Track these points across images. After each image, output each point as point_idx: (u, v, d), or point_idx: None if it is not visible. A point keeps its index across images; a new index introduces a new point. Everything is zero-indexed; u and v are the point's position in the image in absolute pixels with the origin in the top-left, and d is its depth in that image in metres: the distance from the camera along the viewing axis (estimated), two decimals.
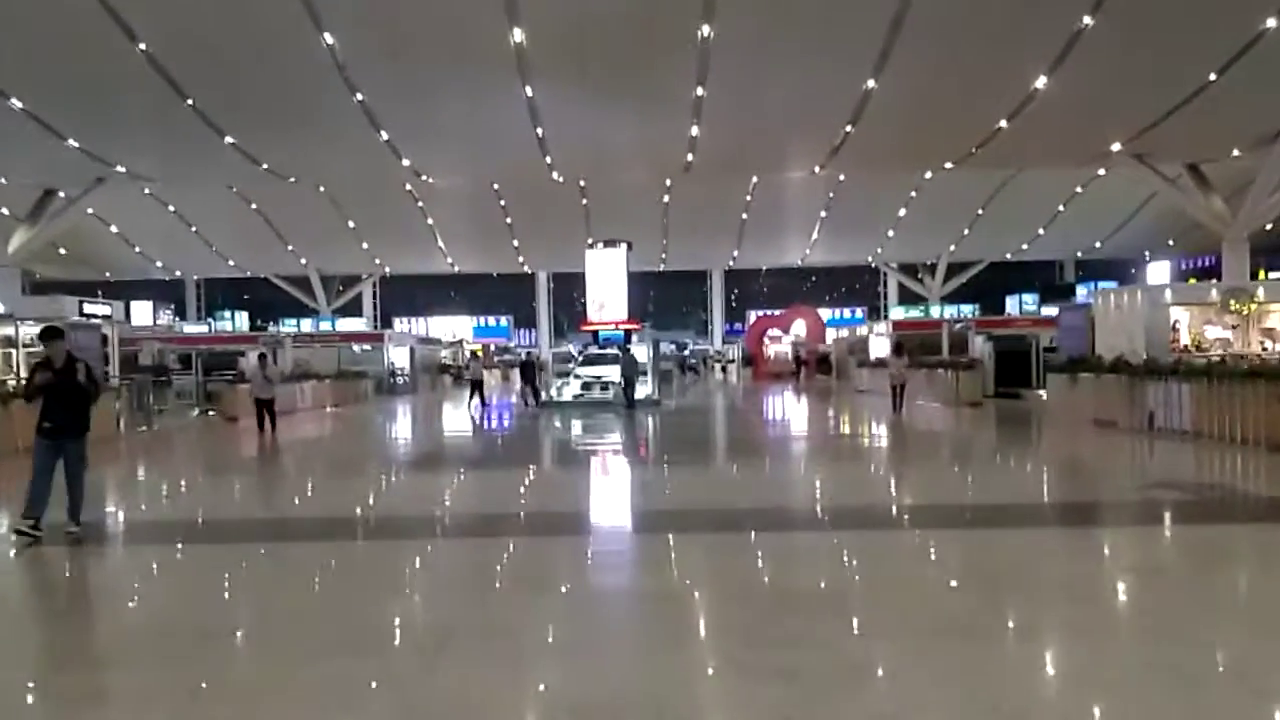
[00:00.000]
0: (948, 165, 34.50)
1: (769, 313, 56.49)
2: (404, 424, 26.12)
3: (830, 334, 50.54)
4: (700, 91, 26.12)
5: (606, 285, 32.06)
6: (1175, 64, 24.77)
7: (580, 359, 29.98)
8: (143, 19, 21.42)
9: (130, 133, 28.56)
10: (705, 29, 22.65)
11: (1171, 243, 55.52)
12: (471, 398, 27.83)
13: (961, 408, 24.32)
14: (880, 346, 35.18)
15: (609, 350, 30.09)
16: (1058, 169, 38.64)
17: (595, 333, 32.53)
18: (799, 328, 50.22)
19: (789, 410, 28.44)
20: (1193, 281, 68.03)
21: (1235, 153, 31.70)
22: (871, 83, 25.46)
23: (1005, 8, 22.32)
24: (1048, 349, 25.97)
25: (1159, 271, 56.23)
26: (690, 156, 32.21)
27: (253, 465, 16.36)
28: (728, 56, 24.07)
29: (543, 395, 29.03)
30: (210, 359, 31.18)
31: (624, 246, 32.13)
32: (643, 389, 27.38)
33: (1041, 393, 24.09)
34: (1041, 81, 25.22)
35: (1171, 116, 27.31)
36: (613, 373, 27.47)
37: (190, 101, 25.51)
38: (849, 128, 28.93)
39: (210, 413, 26.42)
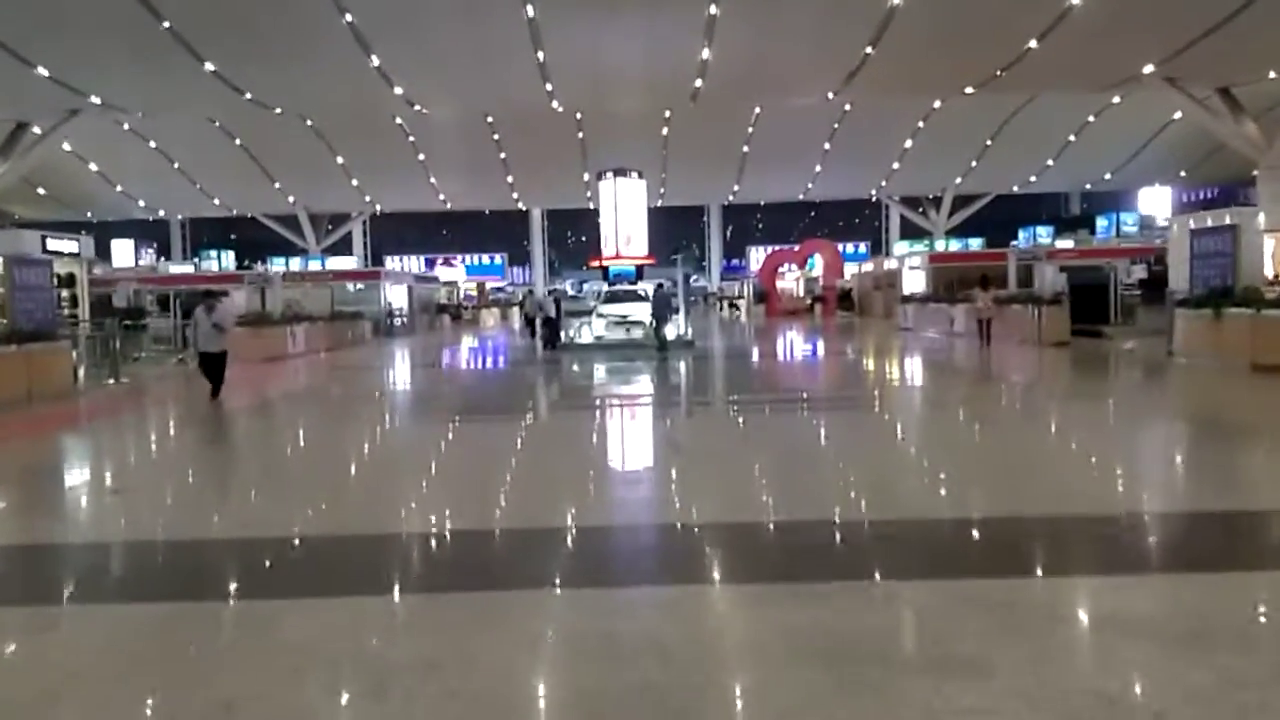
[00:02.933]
0: (968, 90, 32.90)
1: (781, 247, 55.21)
2: (401, 373, 23.71)
3: (850, 268, 49.31)
4: (713, 10, 24.49)
5: (624, 218, 30.44)
6: None
7: (602, 296, 28.22)
8: None
9: (103, 60, 26.69)
10: None
11: (1184, 173, 54.27)
12: (537, 333, 28.30)
13: (1049, 349, 21.82)
14: (915, 280, 33.62)
15: (631, 286, 28.53)
16: (1084, 93, 37.09)
17: (606, 269, 31.03)
18: (815, 262, 48.89)
19: (843, 354, 25.46)
20: (1199, 213, 66.68)
21: (1271, 75, 30.22)
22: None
23: None
24: (1143, 281, 23.86)
25: (1158, 198, 54.81)
26: (699, 83, 30.55)
27: (185, 447, 12.37)
28: None
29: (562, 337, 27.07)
30: (190, 300, 29.15)
31: (638, 176, 30.46)
32: (671, 329, 25.19)
33: (1106, 329, 22.32)
34: None
35: (1210, 36, 25.84)
36: (640, 311, 25.75)
37: (166, 24, 23.74)
38: (869, 49, 27.32)
39: (189, 360, 24.13)
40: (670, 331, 24.79)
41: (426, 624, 5.05)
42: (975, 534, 6.80)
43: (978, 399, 15.21)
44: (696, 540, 6.73)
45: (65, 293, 22.26)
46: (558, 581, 5.76)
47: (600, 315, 27.03)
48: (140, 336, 26.03)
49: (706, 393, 17.34)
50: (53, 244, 21.93)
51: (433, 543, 6.91)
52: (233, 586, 5.95)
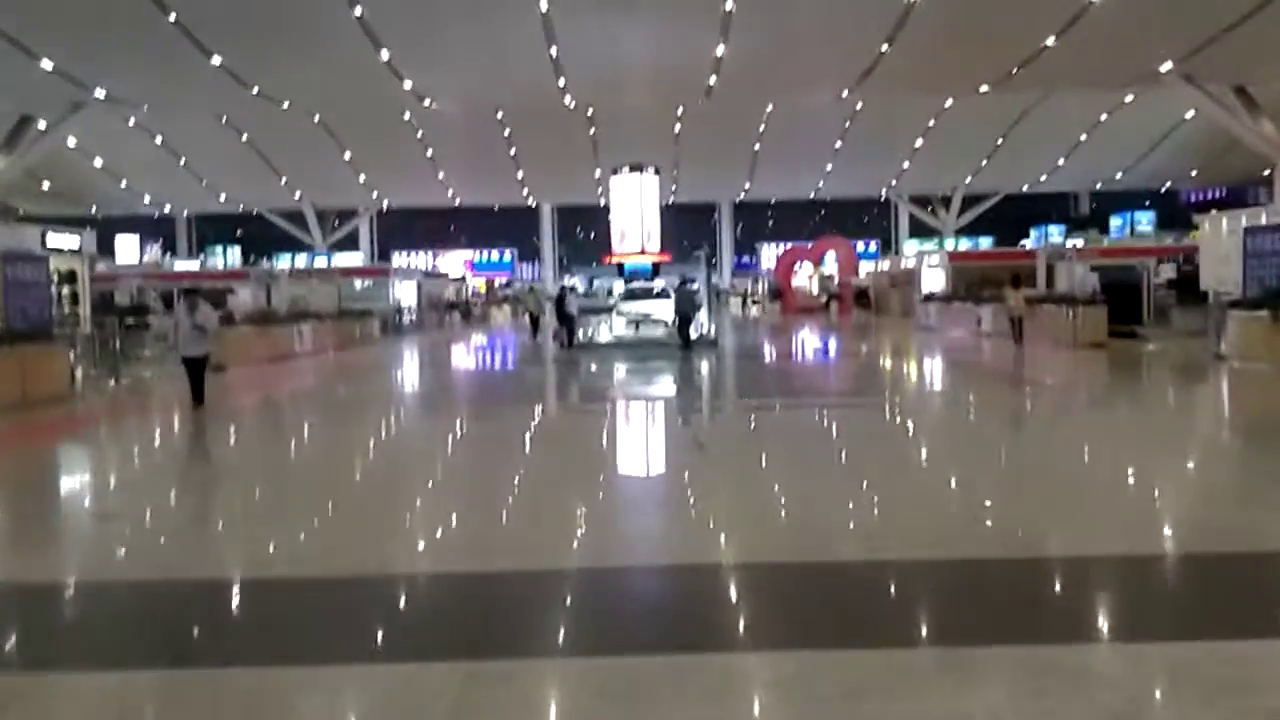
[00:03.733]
0: (983, 89, 32.48)
1: (795, 244, 54.90)
2: (416, 377, 22.35)
3: (864, 266, 48.99)
4: (729, 6, 24.14)
5: (639, 213, 29.90)
6: None
7: (622, 294, 27.49)
8: None
9: (109, 53, 26.37)
10: None
11: (1195, 173, 53.86)
12: (540, 330, 29.08)
13: (1086, 350, 20.76)
14: (934, 279, 32.97)
15: (650, 283, 27.80)
16: (1100, 91, 36.72)
17: (621, 265, 30.58)
18: (830, 260, 48.59)
19: (876, 356, 24.24)
20: (1214, 213, 66.52)
21: None
22: None
23: None
24: (1172, 281, 22.92)
25: (1164, 197, 54.62)
26: (713, 80, 30.20)
27: (186, 462, 11.23)
28: None
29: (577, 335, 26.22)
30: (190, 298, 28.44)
31: (653, 172, 29.96)
32: (694, 327, 24.21)
33: (1139, 330, 21.42)
34: None
35: (1229, 34, 25.48)
36: (662, 309, 24.97)
37: (173, 17, 23.44)
38: (885, 47, 26.94)
39: None
40: (692, 330, 24.00)
41: (458, 700, 4.09)
42: (1102, 578, 5.66)
43: (1038, 408, 14.14)
44: (772, 585, 5.65)
45: (66, 290, 21.72)
46: (612, 645, 4.69)
47: (620, 313, 26.12)
48: (143, 335, 25.26)
49: (744, 399, 16.21)
50: (53, 239, 21.30)
51: (461, 589, 5.77)
52: (233, 646, 4.90)
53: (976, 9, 24.48)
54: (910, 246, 55.28)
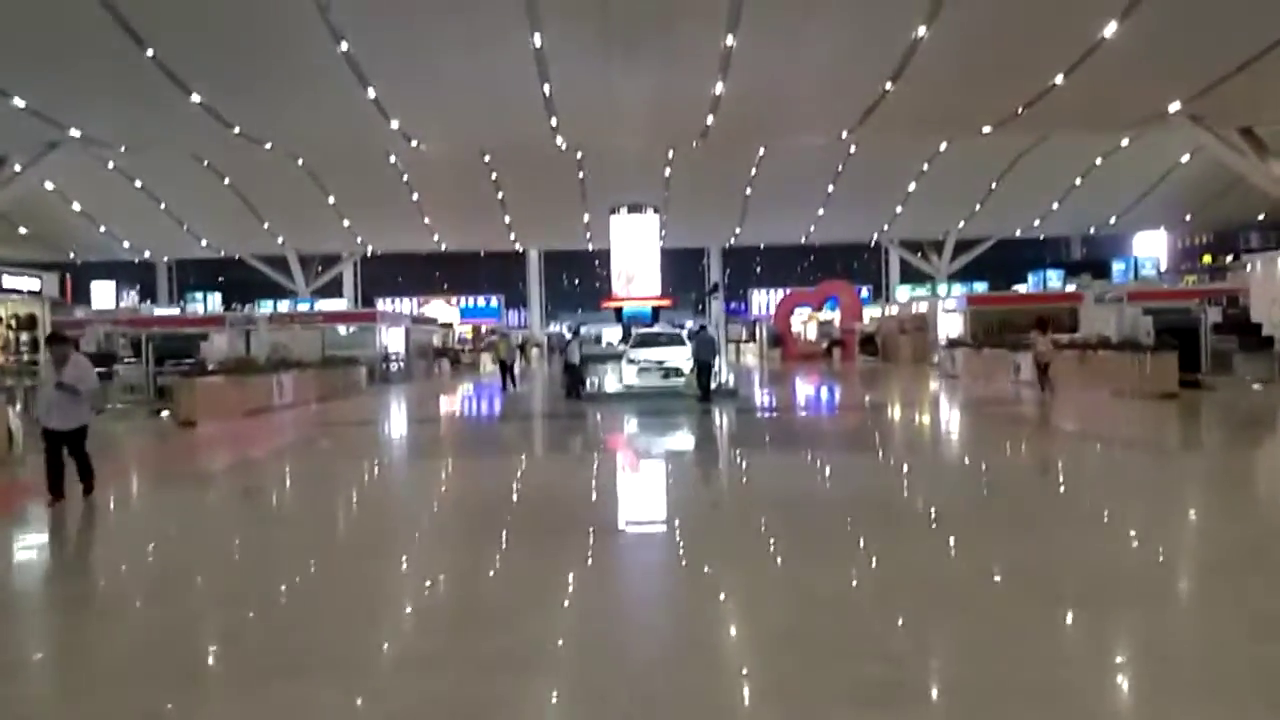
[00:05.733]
0: (985, 129, 31.77)
1: (793, 289, 54.22)
2: (409, 436, 19.19)
3: (870, 311, 48.24)
4: (730, 41, 23.34)
5: (638, 256, 28.79)
6: (1249, 16, 22.30)
7: (634, 340, 25.73)
8: None
9: (84, 90, 25.38)
10: None
11: (1189, 218, 53.61)
12: (504, 379, 28.20)
13: (1157, 402, 18.58)
14: (951, 324, 31.51)
15: (667, 329, 26.30)
16: (1105, 132, 36.20)
17: (619, 310, 29.32)
18: (831, 306, 47.84)
19: (915, 407, 21.89)
20: (1207, 259, 66.39)
21: None
22: (922, 30, 22.78)
23: None
24: (1218, 325, 21.88)
25: (1154, 242, 54.53)
26: (710, 119, 29.38)
27: (123, 568, 8.04)
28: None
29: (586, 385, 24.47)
30: (165, 344, 25.64)
31: (654, 212, 28.91)
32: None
33: (1202, 378, 19.76)
34: (1111, 29, 22.70)
35: (1239, 74, 24.95)
36: (677, 355, 23.31)
37: (151, 53, 22.49)
38: (889, 85, 26.20)
39: (162, 413, 20.24)
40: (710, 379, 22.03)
41: None
42: None
43: (1190, 489, 10.69)
44: None
45: (25, 336, 20.20)
46: None
47: (631, 361, 24.14)
48: (107, 387, 22.44)
49: (795, 464, 13.02)
50: (10, 281, 19.85)
51: None
52: None
53: (983, 46, 23.82)
54: (902, 292, 54.54)
